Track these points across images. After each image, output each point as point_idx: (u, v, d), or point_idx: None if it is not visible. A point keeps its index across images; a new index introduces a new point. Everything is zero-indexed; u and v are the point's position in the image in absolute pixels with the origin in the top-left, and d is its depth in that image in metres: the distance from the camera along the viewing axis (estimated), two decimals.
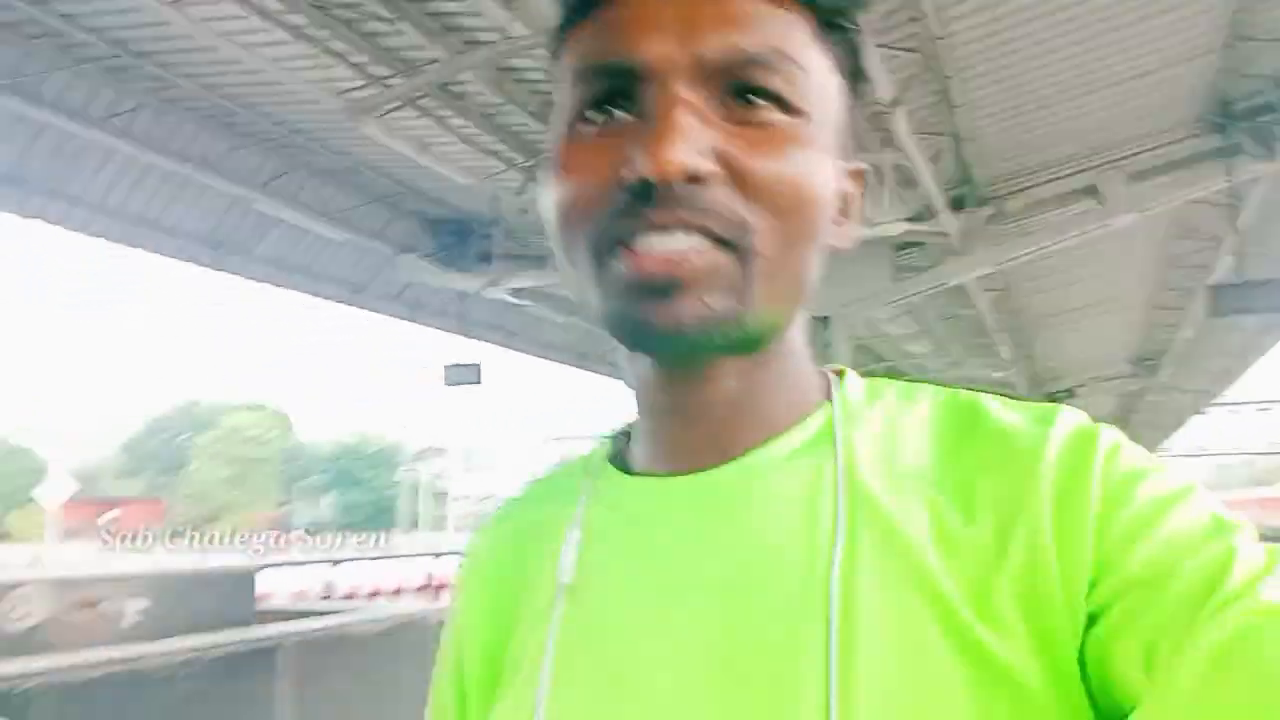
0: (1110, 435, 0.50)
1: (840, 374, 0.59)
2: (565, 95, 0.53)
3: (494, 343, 11.23)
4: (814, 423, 0.55)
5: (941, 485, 0.51)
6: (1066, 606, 0.45)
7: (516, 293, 9.02)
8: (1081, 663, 0.45)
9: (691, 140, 0.47)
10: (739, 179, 0.48)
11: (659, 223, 0.47)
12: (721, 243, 0.48)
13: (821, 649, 0.46)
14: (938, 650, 0.45)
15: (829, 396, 0.56)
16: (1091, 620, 0.45)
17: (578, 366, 13.08)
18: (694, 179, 0.47)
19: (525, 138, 6.92)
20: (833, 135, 0.54)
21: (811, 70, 0.51)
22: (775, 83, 0.49)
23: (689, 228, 0.47)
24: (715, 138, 0.48)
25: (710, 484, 0.54)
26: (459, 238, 8.74)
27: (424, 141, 6.49)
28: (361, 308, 9.97)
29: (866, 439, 0.53)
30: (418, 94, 5.88)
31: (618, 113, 0.50)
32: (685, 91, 0.48)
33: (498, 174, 7.08)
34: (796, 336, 0.56)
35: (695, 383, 0.53)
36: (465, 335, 10.11)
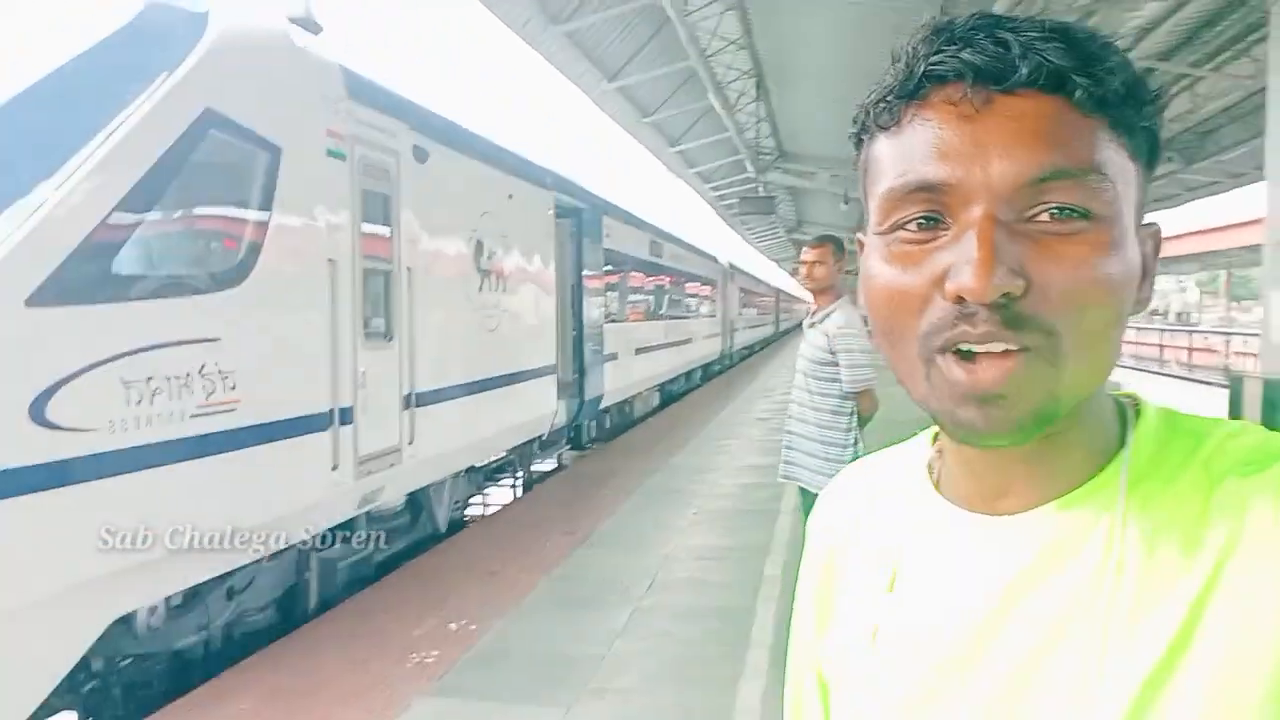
0: None
1: (1137, 409, 0.63)
2: (879, 197, 0.59)
3: None
4: (1106, 477, 0.60)
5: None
6: None
7: None
8: None
9: (1004, 261, 0.54)
10: (1047, 291, 0.54)
11: (980, 334, 0.55)
12: (1034, 349, 0.55)
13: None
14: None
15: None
16: None
17: None
18: (1006, 294, 0.54)
19: None
20: (1132, 218, 0.58)
21: (1110, 171, 0.56)
22: (1076, 196, 0.55)
23: (1006, 339, 0.55)
24: (1024, 254, 0.54)
25: (1006, 528, 0.62)
26: None
27: None
28: None
29: (1148, 490, 0.59)
30: None
31: (935, 219, 0.57)
32: (998, 211, 0.55)
33: None
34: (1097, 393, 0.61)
35: (1005, 453, 0.61)
36: None
